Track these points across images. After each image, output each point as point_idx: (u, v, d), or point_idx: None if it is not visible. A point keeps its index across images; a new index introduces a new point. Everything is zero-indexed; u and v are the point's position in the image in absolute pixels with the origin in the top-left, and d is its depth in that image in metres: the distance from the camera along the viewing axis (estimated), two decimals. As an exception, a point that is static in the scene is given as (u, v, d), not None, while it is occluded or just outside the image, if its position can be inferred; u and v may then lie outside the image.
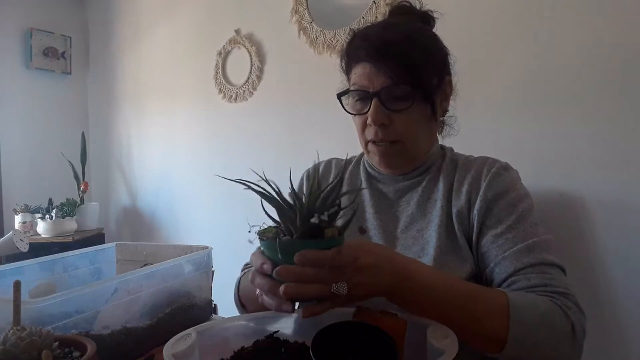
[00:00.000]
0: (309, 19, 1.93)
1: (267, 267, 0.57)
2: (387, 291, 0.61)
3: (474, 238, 0.79)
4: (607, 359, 1.26)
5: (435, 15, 0.90)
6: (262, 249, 0.59)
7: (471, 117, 1.52)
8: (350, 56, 0.83)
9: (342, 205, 0.58)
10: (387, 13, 0.93)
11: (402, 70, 0.76)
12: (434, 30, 0.89)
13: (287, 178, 0.67)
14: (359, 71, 0.80)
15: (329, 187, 0.56)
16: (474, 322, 0.64)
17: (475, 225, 0.78)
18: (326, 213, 0.54)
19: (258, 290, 0.60)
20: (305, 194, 0.56)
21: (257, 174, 0.59)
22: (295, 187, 0.97)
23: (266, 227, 0.58)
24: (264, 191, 0.56)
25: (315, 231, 0.54)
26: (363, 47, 0.79)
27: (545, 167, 1.35)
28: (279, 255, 0.54)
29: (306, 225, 0.54)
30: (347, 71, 0.85)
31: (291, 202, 0.56)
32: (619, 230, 1.25)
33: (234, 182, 0.62)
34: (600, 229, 1.27)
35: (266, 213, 0.58)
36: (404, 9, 0.89)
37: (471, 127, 1.55)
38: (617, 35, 1.25)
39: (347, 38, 0.87)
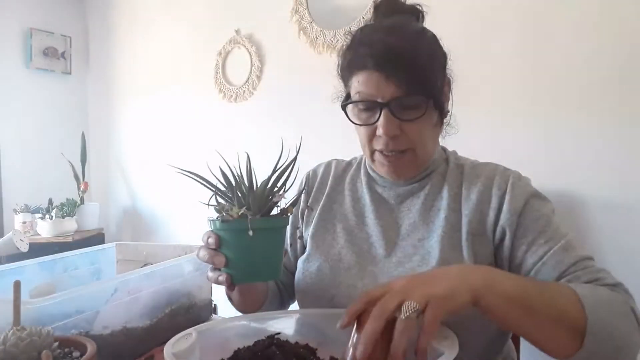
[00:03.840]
0: (309, 19, 1.93)
1: (211, 240, 0.65)
2: (470, 287, 0.55)
3: (505, 253, 0.77)
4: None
5: (424, 9, 0.85)
6: (211, 228, 0.67)
7: (470, 117, 1.52)
8: (353, 62, 0.77)
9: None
10: (372, 8, 0.86)
11: (414, 80, 0.72)
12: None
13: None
14: (364, 79, 0.75)
15: (272, 180, 0.67)
16: (555, 313, 0.59)
17: (506, 240, 0.76)
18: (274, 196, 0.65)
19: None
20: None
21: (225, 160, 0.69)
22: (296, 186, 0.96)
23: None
24: (203, 181, 0.68)
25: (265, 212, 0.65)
26: (369, 55, 0.74)
27: (546, 167, 1.35)
28: (222, 231, 0.65)
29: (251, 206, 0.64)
30: (347, 77, 0.80)
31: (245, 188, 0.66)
32: (619, 230, 1.25)
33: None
34: (600, 229, 1.27)
35: (216, 194, 0.67)
36: (391, 5, 0.83)
37: (470, 128, 1.55)
38: (617, 35, 1.25)
39: (345, 40, 0.82)
